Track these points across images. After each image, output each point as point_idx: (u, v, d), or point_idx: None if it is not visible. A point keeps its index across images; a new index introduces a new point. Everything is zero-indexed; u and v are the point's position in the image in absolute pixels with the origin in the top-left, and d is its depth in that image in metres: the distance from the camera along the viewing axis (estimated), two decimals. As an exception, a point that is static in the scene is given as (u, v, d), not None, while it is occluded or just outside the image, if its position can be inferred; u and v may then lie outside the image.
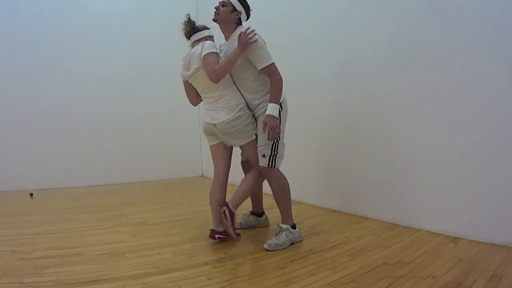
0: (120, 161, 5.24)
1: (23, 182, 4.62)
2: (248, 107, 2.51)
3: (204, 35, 2.54)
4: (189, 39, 2.58)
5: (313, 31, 3.55)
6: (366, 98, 3.06)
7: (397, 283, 1.81)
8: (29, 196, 4.24)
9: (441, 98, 2.54)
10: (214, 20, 2.47)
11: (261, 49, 2.33)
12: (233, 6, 2.39)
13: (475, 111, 2.37)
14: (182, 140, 5.77)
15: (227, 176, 2.62)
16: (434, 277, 1.86)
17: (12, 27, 4.58)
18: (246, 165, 2.75)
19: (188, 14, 2.58)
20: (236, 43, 2.32)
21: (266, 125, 2.30)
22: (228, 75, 2.44)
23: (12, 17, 4.59)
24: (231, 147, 2.64)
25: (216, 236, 2.52)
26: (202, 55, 2.33)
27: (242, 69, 2.42)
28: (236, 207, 2.45)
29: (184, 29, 2.56)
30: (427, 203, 2.65)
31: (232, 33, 2.44)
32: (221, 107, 2.44)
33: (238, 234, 2.62)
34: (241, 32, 2.27)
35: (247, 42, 2.26)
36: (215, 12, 2.44)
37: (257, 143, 2.46)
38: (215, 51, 2.36)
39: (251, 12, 2.53)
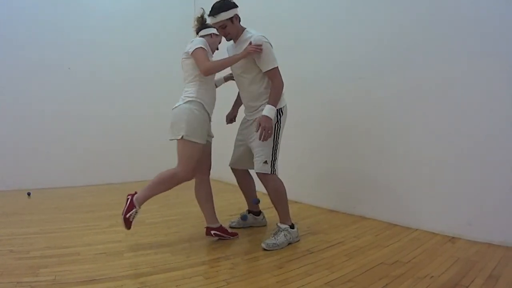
0: (118, 160, 5.23)
1: (20, 181, 4.62)
2: (206, 110, 2.45)
3: (210, 32, 2.57)
4: (197, 34, 2.61)
5: (312, 31, 3.55)
6: (365, 98, 3.05)
7: (395, 283, 1.80)
8: (27, 195, 4.23)
9: (441, 98, 2.54)
10: (229, 40, 2.52)
11: (268, 52, 2.38)
12: (230, 19, 2.40)
13: (474, 111, 2.37)
14: (181, 139, 5.75)
15: (203, 177, 2.60)
16: (432, 276, 1.86)
17: (12, 27, 4.57)
18: (236, 171, 2.81)
19: (203, 9, 2.61)
20: (247, 43, 2.37)
21: (259, 124, 2.32)
22: (195, 72, 2.41)
23: (11, 17, 4.58)
24: (209, 140, 2.60)
25: (212, 232, 2.54)
26: (192, 50, 2.36)
27: (247, 70, 2.46)
28: (139, 201, 2.39)
29: (196, 24, 2.61)
30: (425, 202, 2.65)
31: (240, 35, 2.48)
32: (181, 97, 2.45)
33: (236, 234, 2.63)
34: (251, 42, 2.32)
35: (252, 52, 2.30)
36: (226, 37, 2.48)
37: (188, 146, 2.38)
38: (203, 47, 2.36)
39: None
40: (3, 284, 1.84)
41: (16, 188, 4.57)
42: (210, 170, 2.66)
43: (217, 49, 2.66)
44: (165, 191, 2.48)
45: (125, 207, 2.38)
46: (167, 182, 2.44)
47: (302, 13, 3.67)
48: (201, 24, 2.60)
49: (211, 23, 2.44)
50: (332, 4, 3.36)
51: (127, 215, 2.37)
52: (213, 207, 2.59)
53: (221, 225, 2.58)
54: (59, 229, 2.87)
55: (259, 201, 2.83)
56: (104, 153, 5.13)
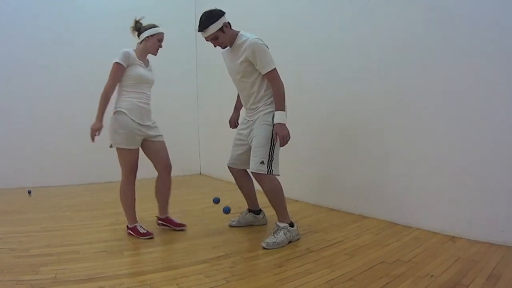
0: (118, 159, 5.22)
1: (19, 179, 4.62)
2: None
3: (144, 37, 2.62)
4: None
5: (312, 34, 3.54)
6: (365, 99, 3.05)
7: (395, 282, 1.80)
8: (27, 193, 4.23)
9: (441, 98, 2.54)
10: (224, 48, 2.54)
11: (265, 54, 2.38)
12: (220, 29, 2.40)
13: (473, 111, 2.36)
14: (180, 138, 5.75)
15: (160, 174, 2.80)
16: (432, 276, 1.86)
17: (11, 27, 4.57)
18: (234, 171, 2.80)
19: (135, 18, 2.68)
20: (242, 48, 2.40)
21: (277, 134, 2.37)
22: (121, 83, 2.57)
23: (11, 17, 4.57)
24: (138, 149, 2.73)
25: (159, 222, 2.82)
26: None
27: (247, 75, 2.47)
28: (133, 221, 2.65)
29: (133, 33, 2.69)
30: (425, 202, 2.65)
31: (234, 39, 2.47)
32: None
33: (183, 224, 2.78)
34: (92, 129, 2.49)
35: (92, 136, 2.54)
36: (220, 46, 2.50)
37: (119, 153, 2.62)
38: (120, 61, 2.48)
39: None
40: (3, 282, 1.84)
41: (15, 186, 4.57)
42: (169, 168, 2.77)
43: (161, 46, 2.70)
44: (133, 199, 2.71)
45: (137, 236, 2.59)
46: (124, 193, 2.68)
47: (300, 17, 3.66)
48: (137, 30, 2.65)
49: (203, 37, 2.46)
50: (328, 6, 3.36)
51: (143, 236, 2.58)
52: (164, 199, 2.78)
53: (167, 217, 2.79)
54: (59, 227, 2.87)
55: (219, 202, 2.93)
56: (104, 152, 5.10)
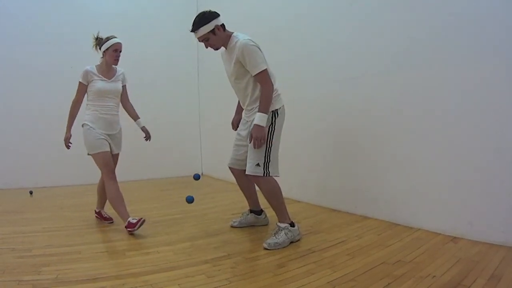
0: (120, 159, 5.23)
1: (20, 180, 4.62)
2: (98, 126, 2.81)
3: (103, 51, 2.82)
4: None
5: (314, 36, 3.54)
6: (366, 99, 3.05)
7: (397, 283, 1.80)
8: (29, 194, 4.24)
9: (441, 99, 2.54)
10: (216, 49, 2.55)
11: (254, 55, 2.35)
12: (211, 31, 2.41)
13: (474, 111, 2.36)
14: (182, 139, 5.76)
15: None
16: (434, 276, 1.86)
17: (13, 28, 4.58)
18: (235, 171, 2.80)
19: (93, 35, 2.89)
20: (235, 49, 2.39)
21: (251, 135, 2.34)
22: (87, 98, 2.87)
23: (13, 18, 4.58)
24: (111, 153, 2.93)
25: (96, 215, 3.13)
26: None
27: (240, 76, 2.47)
28: (126, 217, 2.67)
29: (97, 49, 2.88)
30: (426, 202, 2.65)
31: (228, 41, 2.47)
32: None
33: (110, 218, 3.03)
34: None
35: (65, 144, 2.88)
36: (212, 48, 2.51)
37: (95, 158, 2.80)
38: (81, 80, 2.80)
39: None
40: (5, 282, 1.84)
41: (17, 186, 4.58)
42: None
43: (119, 55, 2.85)
44: (121, 196, 2.77)
45: (133, 228, 2.62)
46: (111, 191, 2.74)
47: (299, 16, 3.66)
48: (99, 45, 2.85)
49: (196, 38, 2.49)
50: (328, 5, 3.36)
51: (137, 225, 2.62)
52: (105, 196, 2.96)
53: (100, 211, 3.09)
54: (60, 227, 2.88)
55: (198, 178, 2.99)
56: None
